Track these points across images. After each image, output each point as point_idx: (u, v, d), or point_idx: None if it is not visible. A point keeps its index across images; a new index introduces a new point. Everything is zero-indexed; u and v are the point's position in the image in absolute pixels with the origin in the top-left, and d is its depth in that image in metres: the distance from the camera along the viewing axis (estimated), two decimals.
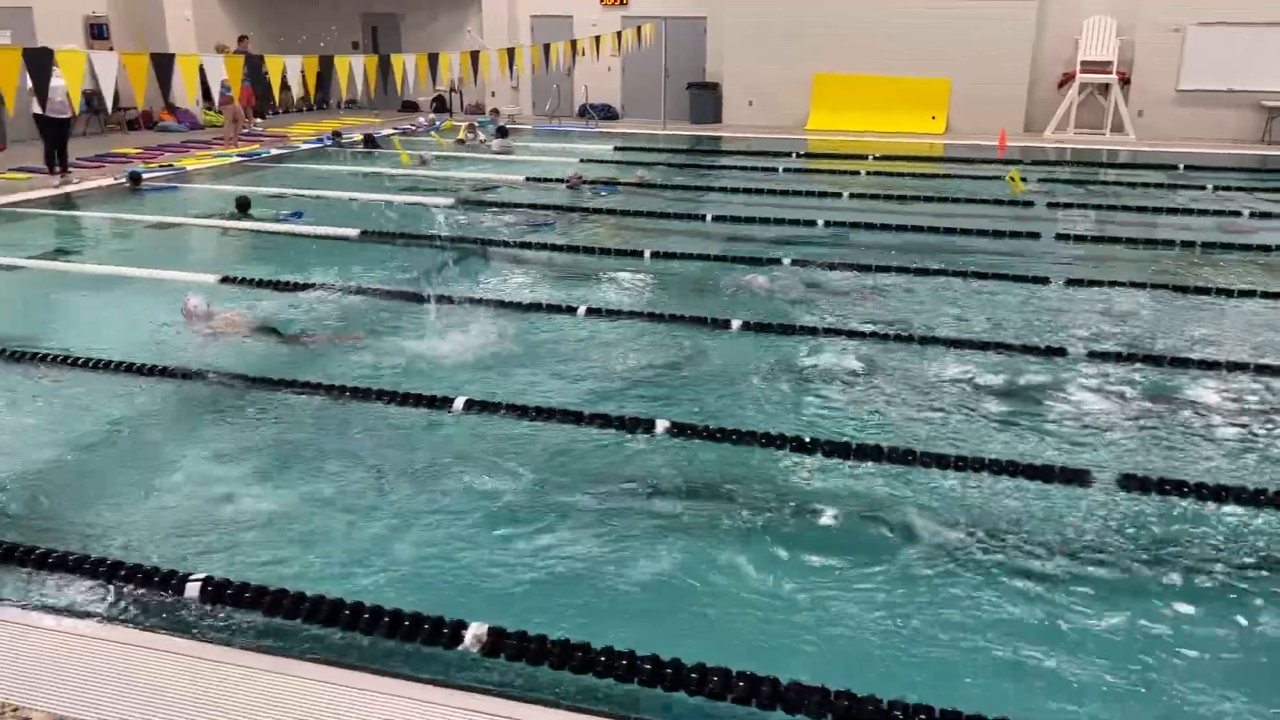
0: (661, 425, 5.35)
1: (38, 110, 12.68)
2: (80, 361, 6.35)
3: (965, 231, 10.48)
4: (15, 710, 3.21)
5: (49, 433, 5.49)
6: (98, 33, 19.03)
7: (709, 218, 11.27)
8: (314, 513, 4.64)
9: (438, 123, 21.12)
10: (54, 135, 13.02)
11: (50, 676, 3.38)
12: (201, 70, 8.73)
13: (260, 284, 8.25)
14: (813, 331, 7.14)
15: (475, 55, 13.34)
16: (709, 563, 4.27)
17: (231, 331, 6.98)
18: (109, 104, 8.43)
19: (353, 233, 10.21)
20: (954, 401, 6.00)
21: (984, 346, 6.85)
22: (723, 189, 13.09)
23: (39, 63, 7.19)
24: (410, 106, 24.04)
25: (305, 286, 8.17)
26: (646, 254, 9.44)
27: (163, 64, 8.30)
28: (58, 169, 13.09)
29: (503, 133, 17.85)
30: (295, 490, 4.84)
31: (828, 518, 4.64)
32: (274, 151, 16.73)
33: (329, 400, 5.82)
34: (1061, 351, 6.76)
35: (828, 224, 10.86)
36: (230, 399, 5.89)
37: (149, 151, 16.51)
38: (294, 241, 10.20)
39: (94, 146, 16.64)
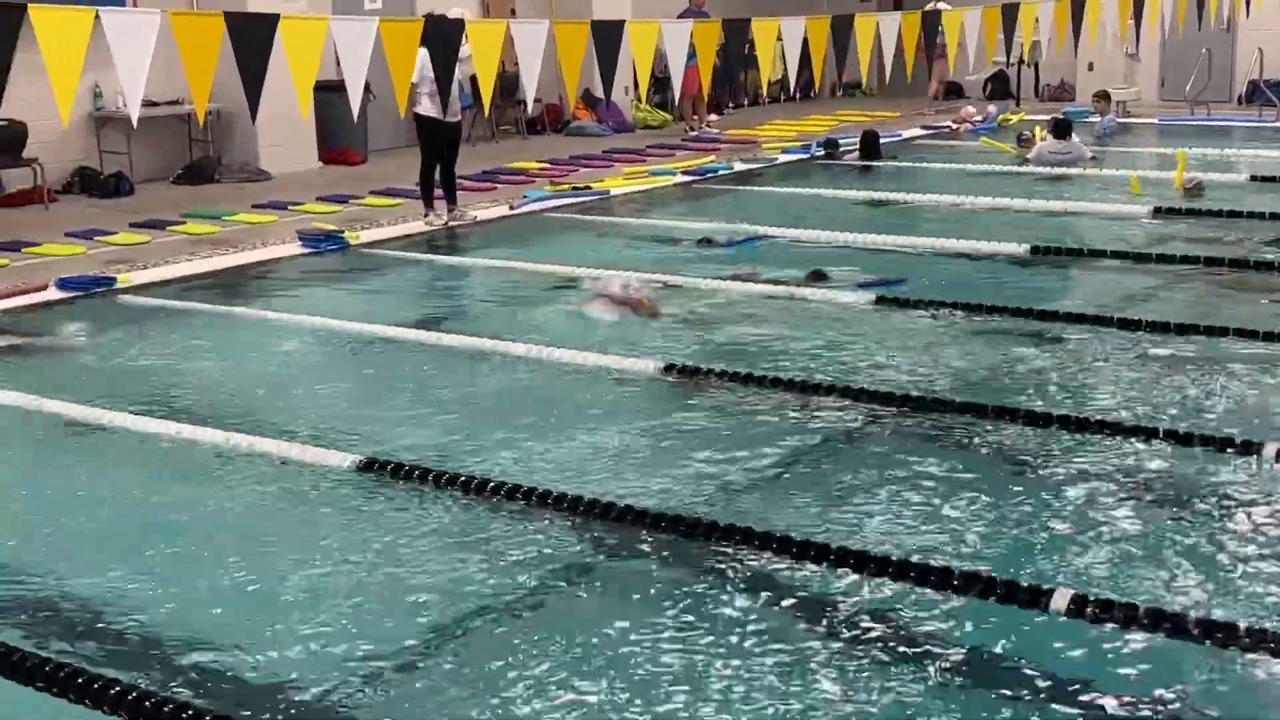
0: None
1: (428, 111, 13.13)
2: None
3: None
4: None
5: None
6: None
7: None
8: None
9: (992, 117, 21.16)
10: (445, 147, 13.61)
11: None
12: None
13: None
14: None
15: (1079, 5, 13.23)
16: None
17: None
18: (529, 98, 9.17)
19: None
20: None
21: None
22: None
23: (444, 40, 7.89)
24: (950, 91, 24.44)
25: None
26: None
27: (607, 35, 8.87)
28: (438, 196, 13.83)
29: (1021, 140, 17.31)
30: None
31: None
32: (738, 166, 17.60)
33: None
34: None
35: None
36: None
37: (555, 166, 18.04)
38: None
39: (480, 159, 18.23)
